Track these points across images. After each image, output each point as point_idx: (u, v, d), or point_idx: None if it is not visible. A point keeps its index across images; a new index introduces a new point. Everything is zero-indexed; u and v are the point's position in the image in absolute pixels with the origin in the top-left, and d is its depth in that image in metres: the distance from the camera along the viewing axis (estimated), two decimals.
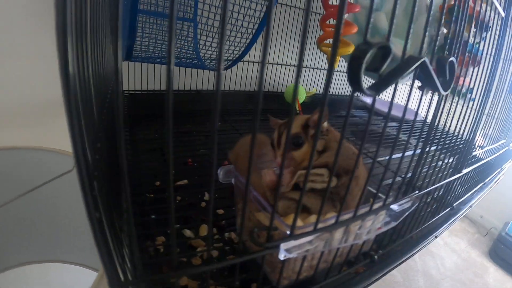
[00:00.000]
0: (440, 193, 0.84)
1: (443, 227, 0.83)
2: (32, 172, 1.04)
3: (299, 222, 0.47)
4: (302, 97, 1.51)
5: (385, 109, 1.64)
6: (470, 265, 2.66)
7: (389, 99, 0.41)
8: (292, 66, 1.70)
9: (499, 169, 1.35)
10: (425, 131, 0.57)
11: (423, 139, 0.56)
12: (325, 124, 0.61)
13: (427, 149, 0.56)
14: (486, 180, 1.16)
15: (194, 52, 1.11)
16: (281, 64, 1.67)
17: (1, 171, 1.02)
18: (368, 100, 1.77)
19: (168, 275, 0.34)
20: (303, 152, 0.59)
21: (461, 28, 0.55)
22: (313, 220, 0.39)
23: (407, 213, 0.49)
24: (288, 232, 0.37)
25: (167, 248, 0.59)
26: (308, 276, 0.51)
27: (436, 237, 0.87)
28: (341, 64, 1.81)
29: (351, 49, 1.03)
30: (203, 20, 1.10)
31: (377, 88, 0.33)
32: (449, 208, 0.87)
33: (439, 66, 0.45)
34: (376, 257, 0.59)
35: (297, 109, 1.45)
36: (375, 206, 0.45)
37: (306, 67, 1.76)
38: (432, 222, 0.80)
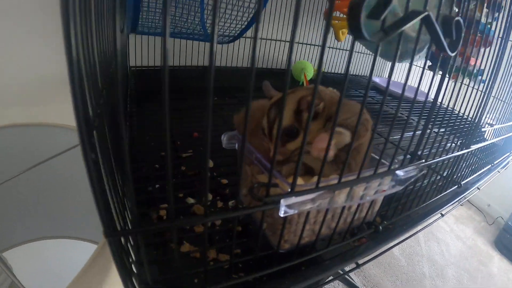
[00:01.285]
0: (448, 171, 0.83)
1: (449, 205, 0.82)
2: (40, 148, 1.04)
3: (302, 182, 0.46)
4: (310, 74, 1.50)
5: (395, 89, 1.62)
6: (475, 253, 2.65)
7: (400, 81, 0.39)
8: (300, 43, 1.70)
9: (508, 153, 1.33)
10: (431, 111, 0.56)
11: (428, 117, 0.54)
12: (321, 104, 0.54)
13: (432, 122, 0.55)
14: (495, 162, 1.15)
15: (201, 29, 1.11)
16: (287, 41, 1.66)
17: (9, 148, 1.03)
18: (378, 80, 1.75)
19: (164, 225, 0.33)
20: (298, 141, 0.54)
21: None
22: (315, 180, 0.39)
23: (412, 179, 0.48)
24: (289, 189, 0.36)
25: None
26: (310, 241, 0.50)
27: (442, 214, 0.87)
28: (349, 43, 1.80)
29: None
30: None
31: (380, 36, 0.32)
32: (456, 186, 0.86)
33: (445, 26, 0.44)
34: (381, 227, 0.59)
35: (305, 85, 1.44)
36: (380, 170, 0.45)
37: (314, 45, 1.75)
38: (438, 198, 0.79)
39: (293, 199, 0.36)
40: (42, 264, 1.45)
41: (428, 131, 0.55)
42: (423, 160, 0.53)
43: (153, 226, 0.34)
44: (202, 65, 1.45)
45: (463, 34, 0.46)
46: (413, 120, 1.35)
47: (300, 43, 1.72)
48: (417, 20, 0.37)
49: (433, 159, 0.61)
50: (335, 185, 0.39)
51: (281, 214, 0.35)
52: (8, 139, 1.01)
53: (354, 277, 2.11)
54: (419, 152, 0.54)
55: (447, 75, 0.59)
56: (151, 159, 0.75)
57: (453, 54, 0.45)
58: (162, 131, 0.80)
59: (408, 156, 0.51)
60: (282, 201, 0.35)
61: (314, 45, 1.76)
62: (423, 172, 0.51)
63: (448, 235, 2.78)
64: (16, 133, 1.02)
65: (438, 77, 0.52)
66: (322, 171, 0.37)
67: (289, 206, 0.35)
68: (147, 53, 1.30)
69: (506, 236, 2.76)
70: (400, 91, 1.58)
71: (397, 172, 0.47)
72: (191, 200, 0.63)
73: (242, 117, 0.63)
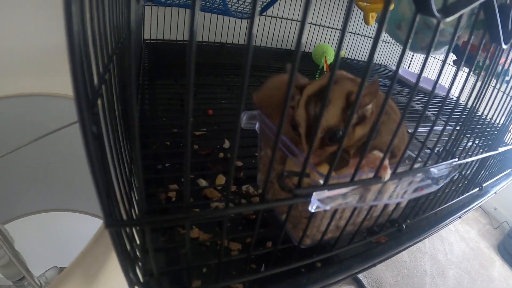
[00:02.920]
0: (472, 171, 0.80)
1: (468, 208, 0.79)
2: (48, 119, 1.02)
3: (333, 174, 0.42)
4: (330, 58, 1.46)
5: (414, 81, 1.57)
6: (477, 256, 2.63)
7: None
8: (322, 26, 1.67)
9: None
10: (457, 112, 0.52)
11: (459, 119, 0.50)
12: (370, 106, 0.44)
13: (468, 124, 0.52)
14: None
15: (221, 2, 1.08)
16: (310, 23, 1.64)
17: (17, 118, 1.02)
18: (399, 71, 1.70)
19: (176, 218, 0.29)
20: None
21: None
22: (347, 172, 0.35)
23: (448, 179, 0.44)
24: (322, 182, 0.32)
25: (179, 197, 0.55)
26: (332, 237, 0.47)
27: (460, 217, 0.84)
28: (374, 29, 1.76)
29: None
30: None
31: (446, 11, 0.28)
32: (477, 188, 0.82)
33: (502, 14, 0.39)
34: (404, 226, 0.55)
35: (325, 69, 1.39)
36: (415, 166, 0.41)
37: (337, 29, 1.72)
38: (458, 201, 0.76)
39: (326, 193, 0.32)
40: (45, 237, 1.45)
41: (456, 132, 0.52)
42: (456, 159, 0.49)
43: (163, 218, 0.31)
44: (219, 41, 1.44)
45: None
46: (433, 115, 1.31)
47: (322, 26, 1.69)
48: (477, 4, 0.33)
49: (464, 159, 0.58)
50: (371, 180, 0.35)
51: (313, 209, 0.32)
52: (16, 108, 1.01)
53: None
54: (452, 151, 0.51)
55: (472, 73, 0.55)
56: (162, 136, 0.72)
57: (506, 47, 0.42)
58: (177, 107, 0.76)
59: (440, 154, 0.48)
60: (314, 194, 0.31)
61: (338, 29, 1.73)
62: (457, 171, 0.48)
63: (453, 235, 2.76)
64: (24, 103, 1.00)
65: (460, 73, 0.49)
66: (359, 166, 0.33)
67: (321, 201, 0.31)
68: (162, 26, 1.28)
69: (510, 242, 2.72)
70: (422, 85, 1.55)
71: (432, 169, 0.43)
72: (203, 183, 0.60)
73: (264, 96, 0.58)
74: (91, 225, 1.26)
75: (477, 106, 0.52)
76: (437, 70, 0.44)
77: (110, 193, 0.26)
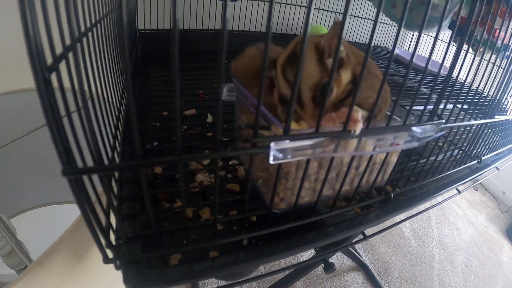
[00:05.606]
0: (470, 142, 0.79)
1: (466, 180, 0.76)
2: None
3: (299, 127, 0.39)
4: None
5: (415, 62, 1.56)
6: (486, 240, 2.59)
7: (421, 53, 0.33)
8: (316, 8, 1.68)
9: None
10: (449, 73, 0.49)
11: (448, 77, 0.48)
12: (342, 47, 0.41)
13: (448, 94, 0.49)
14: None
15: None
16: (303, 6, 1.65)
17: (16, 112, 1.03)
18: (397, 51, 1.68)
19: (131, 165, 0.28)
20: (333, 97, 0.42)
21: None
22: (326, 124, 0.33)
23: (430, 138, 0.42)
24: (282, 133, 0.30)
25: (165, 170, 0.55)
26: (310, 202, 0.44)
27: (458, 191, 0.82)
28: (369, 10, 1.79)
29: None
30: None
31: None
32: (476, 161, 0.79)
33: None
34: (392, 194, 0.52)
35: None
36: (394, 123, 0.38)
37: (331, 11, 1.74)
38: (456, 172, 0.73)
39: (287, 144, 0.29)
40: (49, 230, 1.45)
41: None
42: (443, 121, 0.47)
43: (120, 164, 0.29)
44: (214, 28, 1.46)
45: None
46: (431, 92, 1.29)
47: (316, 9, 1.69)
48: None
49: (454, 123, 0.55)
50: (339, 133, 0.32)
51: (271, 160, 0.29)
52: (19, 103, 1.02)
53: (363, 254, 2.09)
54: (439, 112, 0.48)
55: (471, 50, 0.54)
56: (152, 118, 0.72)
57: None
58: (167, 91, 0.76)
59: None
60: (272, 144, 0.29)
61: (332, 11, 1.73)
62: (443, 132, 0.45)
63: (460, 220, 2.72)
64: (25, 98, 1.02)
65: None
66: (322, 113, 0.30)
67: (280, 151, 0.29)
68: (156, 16, 1.32)
69: None
70: (420, 63, 1.52)
71: (413, 128, 0.40)
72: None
73: (241, 65, 0.56)
74: None
75: (459, 70, 0.50)
76: (441, 50, 0.43)
77: (64, 142, 0.25)
